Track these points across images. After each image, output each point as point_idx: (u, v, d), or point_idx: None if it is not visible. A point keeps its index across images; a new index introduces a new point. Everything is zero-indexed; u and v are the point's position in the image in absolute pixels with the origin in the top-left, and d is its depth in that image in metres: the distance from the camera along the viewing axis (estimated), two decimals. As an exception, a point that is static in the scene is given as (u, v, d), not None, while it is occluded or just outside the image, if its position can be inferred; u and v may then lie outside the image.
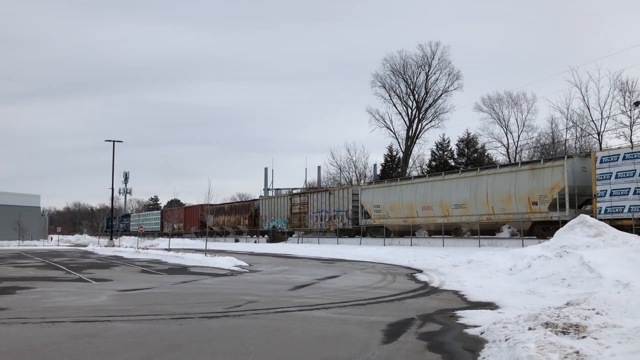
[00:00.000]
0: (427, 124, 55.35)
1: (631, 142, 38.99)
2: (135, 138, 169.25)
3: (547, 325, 6.12)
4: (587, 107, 43.23)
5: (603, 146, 40.76)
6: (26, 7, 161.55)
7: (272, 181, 68.94)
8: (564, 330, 5.93)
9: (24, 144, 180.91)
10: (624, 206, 22.21)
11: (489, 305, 9.55)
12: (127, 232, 73.08)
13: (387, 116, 56.85)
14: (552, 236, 19.28)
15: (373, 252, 25.54)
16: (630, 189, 22.02)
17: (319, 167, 67.46)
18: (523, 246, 18.98)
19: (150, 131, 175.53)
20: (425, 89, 54.39)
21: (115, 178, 67.77)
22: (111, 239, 50.65)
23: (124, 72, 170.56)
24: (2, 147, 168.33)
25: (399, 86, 55.27)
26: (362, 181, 57.66)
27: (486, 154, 52.64)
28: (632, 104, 40.35)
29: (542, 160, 27.24)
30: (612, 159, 22.86)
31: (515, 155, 50.11)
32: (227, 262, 19.98)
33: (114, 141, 48.58)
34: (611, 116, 41.71)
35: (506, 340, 5.89)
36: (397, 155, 58.13)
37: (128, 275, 16.80)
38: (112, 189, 55.21)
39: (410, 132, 55.37)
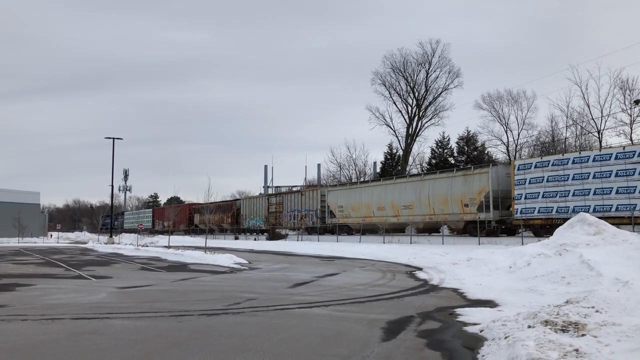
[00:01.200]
0: (427, 122, 55.44)
1: (631, 140, 39.01)
2: (136, 135, 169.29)
3: (546, 323, 6.12)
4: (587, 105, 43.25)
5: (603, 144, 40.77)
6: (27, 4, 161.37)
7: (272, 179, 69.03)
8: (564, 328, 5.94)
9: (24, 141, 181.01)
10: (535, 208, 25.53)
11: (489, 303, 9.55)
12: (121, 229, 75.27)
13: (387, 114, 56.98)
14: (481, 234, 24.74)
15: (372, 249, 25.55)
16: (539, 193, 25.40)
17: (318, 165, 67.50)
18: (523, 244, 18.98)
19: (150, 129, 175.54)
20: (426, 86, 54.44)
21: (115, 175, 68.17)
22: (111, 236, 50.66)
23: (124, 70, 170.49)
24: (2, 144, 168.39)
25: (399, 84, 55.34)
26: (362, 178, 57.67)
27: (486, 152, 52.69)
28: (632, 102, 40.34)
29: (472, 168, 31.10)
30: (526, 167, 26.33)
31: (515, 153, 50.13)
32: (226, 260, 19.99)
33: (113, 138, 48.60)
34: (611, 114, 41.74)
35: (505, 338, 5.90)
36: (397, 153, 58.18)
37: (128, 272, 16.81)
38: (112, 186, 55.32)
39: (410, 129, 55.40)
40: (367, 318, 8.08)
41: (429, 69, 53.93)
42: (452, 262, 16.13)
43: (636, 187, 21.49)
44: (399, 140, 57.22)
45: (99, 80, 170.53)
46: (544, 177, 25.35)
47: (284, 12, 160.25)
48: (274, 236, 45.27)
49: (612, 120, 41.91)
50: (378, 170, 59.44)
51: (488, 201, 27.86)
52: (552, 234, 22.48)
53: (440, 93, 54.34)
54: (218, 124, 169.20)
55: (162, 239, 44.75)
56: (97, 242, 47.13)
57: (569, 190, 24.38)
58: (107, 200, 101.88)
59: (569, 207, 24.21)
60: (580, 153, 25.21)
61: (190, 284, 13.07)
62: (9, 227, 57.16)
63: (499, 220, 28.44)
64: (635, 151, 22.08)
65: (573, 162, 24.46)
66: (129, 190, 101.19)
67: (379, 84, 55.61)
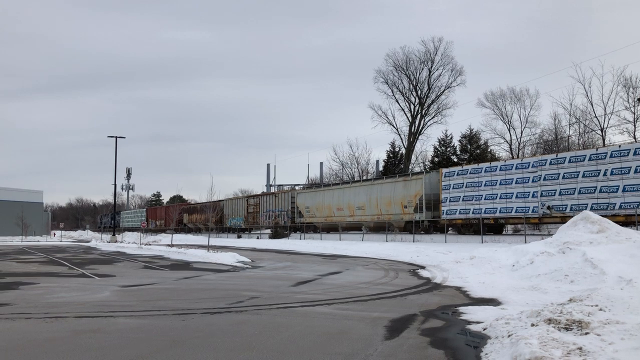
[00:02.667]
0: (429, 120, 55.37)
1: (634, 138, 38.88)
2: (139, 134, 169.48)
3: (549, 321, 6.11)
4: (590, 103, 43.18)
5: (606, 142, 40.65)
6: (29, 3, 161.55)
7: (275, 177, 69.13)
8: (567, 326, 5.92)
9: (27, 139, 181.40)
10: (457, 209, 29.73)
11: (492, 302, 9.54)
12: (117, 227, 78.09)
13: (389, 112, 56.91)
14: (418, 232, 29.03)
15: (375, 248, 25.55)
16: (460, 197, 29.50)
17: (321, 164, 67.57)
18: (526, 242, 18.95)
19: (153, 127, 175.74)
20: (428, 84, 54.36)
21: (118, 174, 68.19)
22: (114, 234, 50.77)
23: (127, 68, 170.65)
24: (5, 143, 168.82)
25: (402, 82, 55.28)
26: (364, 177, 57.67)
27: (489, 150, 52.59)
28: (635, 100, 40.23)
29: (410, 174, 36.62)
30: (451, 174, 30.52)
31: (518, 151, 50.06)
32: (229, 258, 20.00)
33: (116, 137, 48.68)
34: (614, 112, 41.64)
35: (509, 336, 5.89)
36: (400, 152, 58.11)
37: (131, 271, 16.84)
38: (115, 184, 55.34)
39: (413, 128, 55.34)
40: (370, 316, 8.08)
41: (431, 67, 53.89)
42: (455, 261, 16.11)
43: (530, 192, 25.95)
44: (401, 139, 57.23)
45: (102, 78, 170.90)
46: (463, 183, 29.48)
47: (287, 11, 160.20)
48: (276, 235, 45.40)
49: (616, 118, 41.87)
50: (381, 168, 59.39)
51: (422, 203, 32.12)
52: (472, 233, 28.58)
53: (443, 91, 54.32)
54: (221, 123, 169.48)
55: (164, 238, 44.82)
56: (100, 241, 47.22)
57: (482, 195, 28.38)
58: (110, 199, 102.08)
59: (481, 208, 28.26)
60: (490, 163, 29.35)
61: (193, 283, 13.09)
62: (12, 225, 57.31)
63: (431, 220, 32.09)
64: (529, 162, 26.62)
65: (485, 171, 28.38)
66: (132, 188, 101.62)
67: (381, 82, 55.61)
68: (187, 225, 60.81)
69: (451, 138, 55.07)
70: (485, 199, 28.14)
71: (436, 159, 54.49)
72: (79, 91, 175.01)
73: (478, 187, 28.59)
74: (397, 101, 55.93)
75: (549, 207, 25.20)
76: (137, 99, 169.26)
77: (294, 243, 35.02)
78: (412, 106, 55.56)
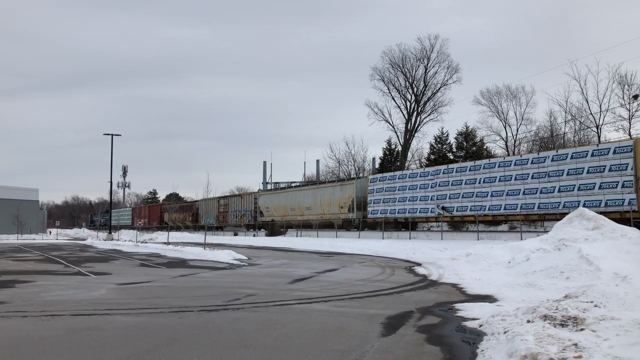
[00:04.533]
0: (425, 118, 55.37)
1: (629, 135, 39.01)
2: (135, 132, 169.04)
3: (545, 317, 6.13)
4: (585, 100, 43.27)
5: (602, 139, 40.77)
6: (26, 2, 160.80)
7: (271, 175, 69.00)
8: (563, 322, 5.95)
9: (22, 138, 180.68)
10: (378, 210, 35.78)
11: (488, 298, 9.58)
12: (106, 226, 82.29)
13: (385, 109, 56.90)
14: (350, 229, 36.36)
15: (372, 245, 25.59)
16: (381, 199, 35.55)
17: (317, 161, 67.51)
18: (522, 239, 19.02)
19: (149, 125, 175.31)
20: (424, 82, 54.34)
21: (114, 172, 68.33)
22: (110, 232, 50.65)
23: (123, 67, 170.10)
24: (1, 140, 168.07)
25: (398, 79, 55.24)
26: (361, 174, 57.68)
27: (485, 147, 52.67)
28: (630, 97, 40.35)
29: (345, 179, 43.70)
30: (375, 180, 36.55)
31: (514, 148, 50.17)
32: (226, 256, 19.99)
33: (112, 134, 48.52)
34: (610, 109, 41.76)
35: (505, 332, 5.91)
36: (396, 149, 58.13)
37: (127, 268, 16.81)
38: (111, 182, 55.29)
39: (409, 125, 55.33)
40: (366, 313, 8.10)
41: (427, 64, 53.86)
42: (451, 258, 16.15)
43: (429, 196, 31.81)
44: (397, 136, 57.21)
45: (98, 77, 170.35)
46: (383, 188, 35.32)
47: (284, 9, 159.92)
48: (273, 232, 45.44)
49: (611, 115, 41.97)
50: (377, 166, 59.38)
51: (354, 205, 37.80)
52: (393, 229, 33.92)
53: (439, 88, 54.30)
54: (218, 120, 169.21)
55: (161, 235, 44.76)
56: (96, 239, 47.12)
57: (396, 198, 34.27)
58: (106, 197, 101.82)
59: (395, 209, 34.38)
60: (402, 171, 36.47)
61: (189, 280, 13.08)
62: (8, 223, 57.08)
63: (362, 219, 37.20)
64: (428, 172, 32.59)
65: (398, 178, 34.59)
66: (128, 186, 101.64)
67: (377, 79, 55.56)
68: (167, 223, 65.63)
69: (447, 135, 55.14)
70: (398, 201, 34.15)
71: (432, 157, 54.56)
72: (76, 89, 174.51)
73: (393, 192, 34.53)
74: (393, 98, 55.96)
75: (442, 208, 30.78)
76: (134, 97, 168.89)
77: (290, 240, 35.02)
78: (408, 103, 55.60)
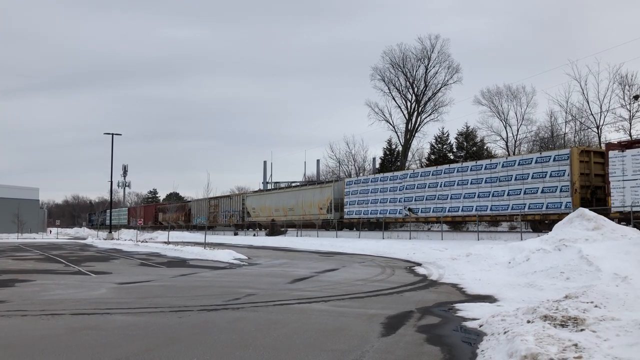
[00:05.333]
0: (426, 118, 55.39)
1: (630, 135, 38.98)
2: (135, 132, 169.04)
3: (545, 318, 6.13)
4: (586, 100, 43.26)
5: (602, 140, 40.75)
6: (26, 1, 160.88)
7: (271, 174, 69.04)
8: (563, 323, 5.95)
9: (22, 137, 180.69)
10: (354, 211, 38.40)
11: (488, 298, 9.57)
12: (104, 225, 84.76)
13: (386, 109, 56.89)
14: (329, 228, 39.25)
15: (372, 245, 25.58)
16: (356, 201, 38.24)
17: (317, 161, 67.55)
18: (522, 239, 19.01)
19: (149, 125, 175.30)
20: (425, 82, 54.35)
21: (115, 171, 68.66)
22: (110, 232, 50.64)
23: (123, 66, 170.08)
24: (1, 140, 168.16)
25: (399, 79, 55.26)
26: (361, 174, 57.70)
27: (485, 147, 52.66)
28: (631, 97, 40.32)
29: (324, 182, 46.10)
30: (351, 183, 39.42)
31: (515, 148, 50.14)
32: (226, 255, 19.99)
33: (112, 134, 48.52)
34: (610, 110, 41.74)
35: (505, 333, 5.91)
36: (397, 149, 58.13)
37: (127, 268, 16.81)
38: (111, 182, 55.33)
39: (410, 125, 55.34)
40: (366, 313, 8.09)
41: (428, 64, 53.87)
42: (451, 258, 16.14)
43: (397, 198, 34.39)
44: (398, 136, 57.22)
45: (98, 76, 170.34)
46: (358, 190, 38.03)
47: (284, 9, 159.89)
48: (273, 232, 45.46)
49: (612, 115, 41.95)
50: (377, 165, 59.38)
51: (332, 206, 40.47)
52: (366, 229, 36.44)
53: (440, 88, 54.31)
54: (218, 120, 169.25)
55: (161, 235, 44.77)
56: (96, 238, 47.12)
57: (369, 200, 36.92)
58: (106, 196, 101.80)
59: (369, 210, 36.87)
60: (374, 175, 39.89)
61: (189, 280, 13.08)
62: (8, 222, 57.12)
63: (339, 219, 39.64)
64: (397, 175, 35.65)
65: (371, 181, 37.40)
66: (128, 186, 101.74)
67: (378, 79, 55.57)
68: (162, 223, 68.00)
69: (448, 135, 55.13)
70: (371, 203, 36.68)
71: (432, 156, 54.56)
72: (76, 89, 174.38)
73: (367, 194, 37.14)
74: (393, 98, 55.97)
75: (409, 210, 33.23)
76: (134, 97, 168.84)
77: (290, 240, 35.01)
78: (408, 103, 55.60)
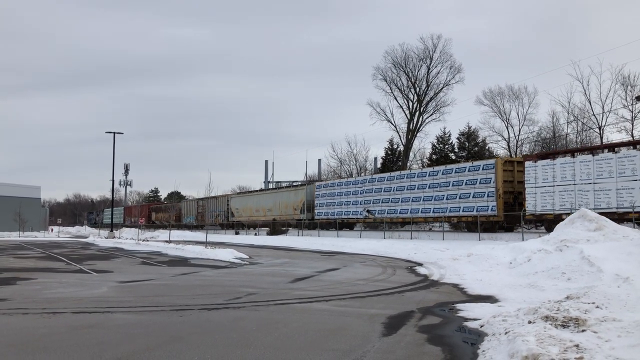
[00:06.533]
0: (428, 117, 55.28)
1: (632, 136, 38.92)
2: (138, 131, 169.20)
3: (546, 318, 6.12)
4: (588, 101, 43.16)
5: (604, 140, 40.68)
6: (28, 0, 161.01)
7: (273, 174, 69.12)
8: (564, 323, 5.94)
9: (25, 135, 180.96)
10: (322, 212, 41.72)
11: (489, 299, 9.56)
12: (101, 224, 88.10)
13: (388, 109, 56.78)
14: (303, 228, 42.29)
15: (373, 245, 25.56)
16: (324, 203, 41.48)
17: (319, 160, 67.54)
18: (523, 240, 18.99)
19: (151, 124, 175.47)
20: (427, 82, 54.24)
21: (116, 170, 68.94)
22: (111, 230, 50.69)
23: (125, 65, 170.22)
24: (3, 138, 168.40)
25: (400, 79, 55.14)
26: (362, 174, 57.66)
27: (487, 147, 52.57)
28: (633, 98, 40.22)
29: (299, 185, 50.20)
30: (320, 187, 43.11)
31: (516, 149, 50.05)
32: (227, 254, 19.99)
33: (114, 133, 48.52)
34: (612, 110, 41.65)
35: (506, 333, 5.90)
36: (398, 149, 58.04)
37: (128, 266, 16.83)
38: (113, 180, 55.31)
39: (411, 125, 55.26)
40: (367, 313, 8.09)
41: (430, 64, 53.76)
42: (452, 258, 16.12)
43: (359, 201, 37.80)
44: (399, 136, 57.13)
45: (100, 75, 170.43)
46: (326, 193, 41.45)
47: (285, 9, 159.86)
48: (274, 231, 45.47)
49: (614, 116, 41.86)
50: (379, 165, 59.31)
51: (304, 207, 43.84)
52: (336, 229, 39.17)
53: (442, 88, 54.19)
54: (220, 120, 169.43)
55: (162, 234, 44.81)
56: (97, 237, 47.17)
57: (335, 202, 40.37)
58: (108, 195, 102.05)
59: (335, 211, 40.32)
60: (340, 179, 45.44)
61: (191, 279, 13.09)
62: (10, 221, 57.20)
63: (310, 219, 43.04)
64: (358, 180, 39.22)
65: (337, 185, 41.14)
66: (130, 185, 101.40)
67: (380, 79, 55.46)
68: (155, 222, 71.47)
69: (449, 135, 55.00)
70: (336, 205, 40.13)
71: (434, 157, 54.43)
72: (78, 88, 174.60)
73: (333, 197, 40.55)
74: (395, 98, 55.86)
75: (368, 211, 36.41)
76: (136, 96, 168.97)
77: (292, 240, 35.02)
78: (410, 103, 55.51)
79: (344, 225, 39.56)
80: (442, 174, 30.80)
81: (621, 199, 21.67)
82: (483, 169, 28.26)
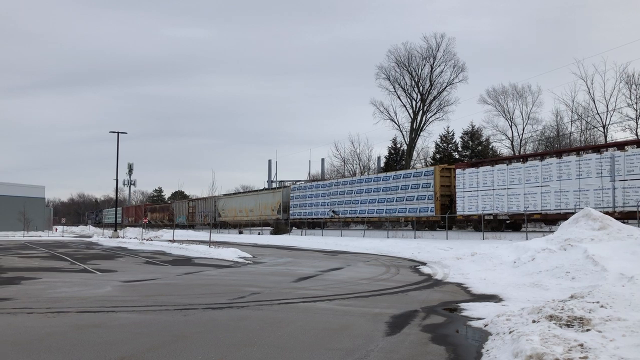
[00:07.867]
0: (431, 117, 55.19)
1: (637, 135, 38.77)
2: (142, 130, 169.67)
3: (551, 318, 6.11)
4: (592, 99, 43.05)
5: (609, 139, 40.55)
6: (31, 1, 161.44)
7: (276, 173, 69.23)
8: (568, 323, 5.92)
9: (29, 135, 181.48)
10: (296, 213, 44.78)
11: (493, 298, 9.55)
12: (100, 223, 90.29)
13: (391, 108, 56.71)
14: (280, 227, 45.98)
15: (376, 244, 25.56)
16: (298, 204, 44.67)
17: (322, 160, 67.62)
18: (527, 239, 18.95)
19: (155, 123, 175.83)
20: (430, 81, 54.16)
21: (120, 170, 69.23)
22: (115, 230, 50.79)
23: (129, 65, 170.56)
24: (7, 138, 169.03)
25: (404, 78, 55.06)
26: (365, 173, 57.64)
27: (491, 146, 52.47)
28: (638, 96, 40.07)
29: (276, 188, 54.13)
30: (295, 189, 46.57)
31: (520, 148, 49.94)
32: (230, 254, 20.01)
33: (118, 132, 48.58)
34: (617, 109, 41.53)
35: (510, 332, 5.89)
36: (401, 148, 57.98)
37: (132, 266, 16.87)
38: (117, 180, 55.28)
39: (415, 124, 55.18)
40: (371, 312, 8.09)
41: (433, 63, 53.66)
42: (456, 257, 16.11)
43: (326, 202, 41.23)
44: (403, 135, 57.05)
45: (103, 75, 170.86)
46: (299, 195, 44.84)
47: (287, 8, 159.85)
48: (278, 230, 45.50)
49: (618, 115, 41.74)
50: (382, 164, 59.24)
51: (281, 208, 46.91)
52: (306, 228, 42.96)
53: (445, 87, 54.09)
54: (223, 119, 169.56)
55: (166, 233, 44.90)
56: (101, 236, 47.29)
57: (307, 203, 43.69)
58: (112, 195, 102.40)
59: (307, 212, 43.50)
60: (312, 182, 48.47)
61: (194, 278, 13.11)
62: (14, 220, 57.34)
63: (286, 220, 45.96)
64: (326, 183, 43.04)
65: (309, 188, 44.40)
66: (134, 184, 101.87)
67: (383, 78, 55.38)
68: (150, 221, 72.21)
69: (453, 134, 54.92)
70: (308, 206, 43.38)
71: (437, 156, 54.36)
72: (82, 88, 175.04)
73: (305, 199, 43.92)
74: (398, 97, 55.78)
75: (333, 212, 40.14)
76: (139, 96, 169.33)
77: (295, 239, 35.03)
78: (413, 102, 55.43)
79: (314, 224, 42.52)
80: (393, 179, 34.69)
81: (527, 202, 25.18)
82: (424, 175, 32.13)
